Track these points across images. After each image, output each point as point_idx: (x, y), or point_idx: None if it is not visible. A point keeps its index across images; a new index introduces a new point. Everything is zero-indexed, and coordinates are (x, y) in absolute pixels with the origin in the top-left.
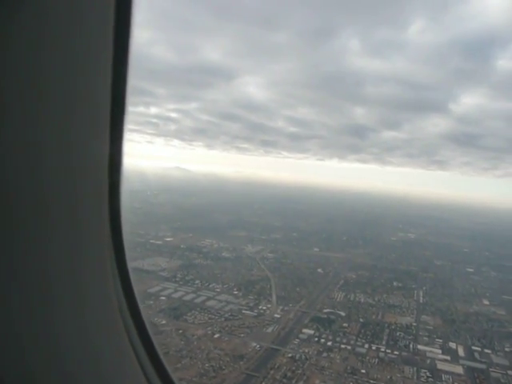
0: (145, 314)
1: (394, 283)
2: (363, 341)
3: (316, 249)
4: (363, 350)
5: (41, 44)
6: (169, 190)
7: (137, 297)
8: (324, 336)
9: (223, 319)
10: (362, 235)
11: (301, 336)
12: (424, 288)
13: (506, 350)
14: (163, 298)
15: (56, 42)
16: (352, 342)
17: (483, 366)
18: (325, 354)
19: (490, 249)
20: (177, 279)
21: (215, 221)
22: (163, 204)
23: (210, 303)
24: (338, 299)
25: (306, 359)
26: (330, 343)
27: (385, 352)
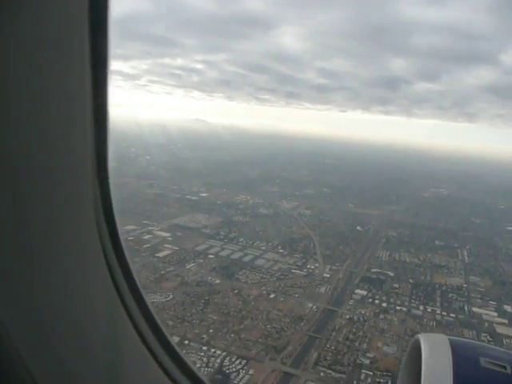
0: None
1: (436, 242)
2: (417, 302)
3: (350, 205)
4: (419, 312)
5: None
6: (192, 144)
7: (130, 262)
8: (377, 297)
9: (275, 279)
10: (394, 191)
11: (354, 297)
12: (467, 247)
13: None
14: (211, 256)
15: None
16: (406, 303)
17: None
18: (382, 316)
19: None
20: (221, 237)
21: (245, 175)
22: (190, 158)
23: (259, 262)
24: (383, 258)
25: (365, 321)
26: (384, 304)
27: (441, 314)
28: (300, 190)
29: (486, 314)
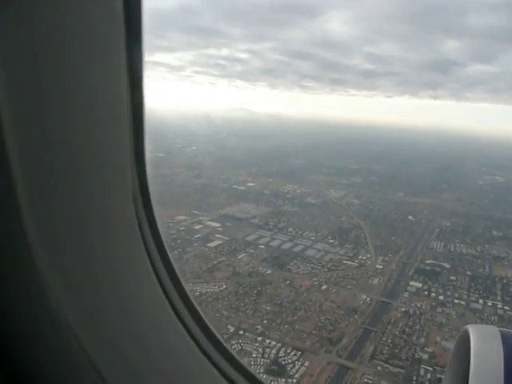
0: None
1: (494, 232)
2: (476, 295)
3: (400, 194)
4: (479, 306)
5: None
6: (236, 133)
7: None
8: (433, 289)
9: (326, 269)
10: (445, 178)
11: (409, 289)
12: None
13: None
14: (262, 246)
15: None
16: (464, 296)
17: None
18: (439, 309)
19: None
20: (270, 227)
21: (290, 165)
22: (235, 148)
23: (309, 252)
24: (437, 249)
25: (421, 314)
26: (441, 297)
27: (503, 309)
28: (347, 179)
29: None
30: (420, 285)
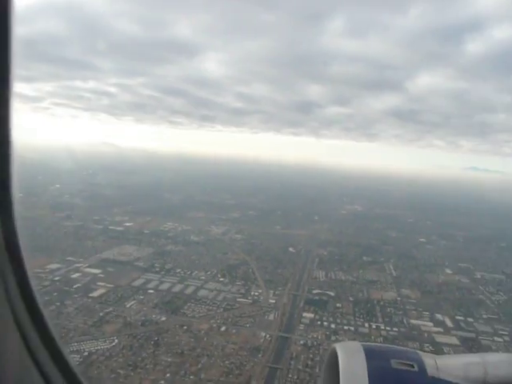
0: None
1: (364, 258)
2: (362, 320)
3: (278, 227)
4: (366, 330)
5: None
6: (104, 169)
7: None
8: (325, 318)
9: (222, 310)
10: (315, 210)
11: (303, 320)
12: (391, 261)
13: (484, 317)
14: (151, 291)
15: None
16: (352, 322)
17: (473, 335)
18: (333, 338)
19: (429, 218)
20: (156, 269)
21: (167, 201)
22: (105, 185)
23: (202, 293)
24: (320, 278)
25: (319, 345)
26: (333, 326)
27: (385, 329)
28: (226, 214)
29: (423, 325)
30: (312, 315)
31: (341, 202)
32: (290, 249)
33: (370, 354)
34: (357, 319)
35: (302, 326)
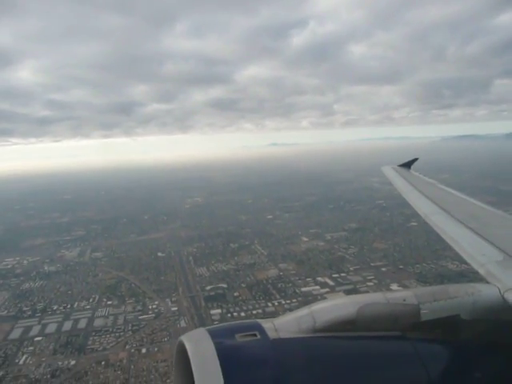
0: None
1: (231, 245)
2: (263, 300)
3: (132, 235)
4: (272, 309)
5: None
6: None
7: None
8: (232, 309)
9: (130, 332)
10: (158, 211)
11: (214, 317)
12: (255, 241)
13: (351, 269)
14: (38, 338)
15: None
16: (256, 305)
17: (352, 287)
18: None
19: (263, 196)
20: (29, 313)
21: None
22: None
23: (98, 322)
24: (205, 274)
25: None
26: (243, 314)
27: (286, 303)
28: (69, 234)
29: (314, 290)
30: (219, 310)
31: (177, 197)
32: (159, 253)
33: (215, 336)
34: (259, 301)
35: (216, 323)
